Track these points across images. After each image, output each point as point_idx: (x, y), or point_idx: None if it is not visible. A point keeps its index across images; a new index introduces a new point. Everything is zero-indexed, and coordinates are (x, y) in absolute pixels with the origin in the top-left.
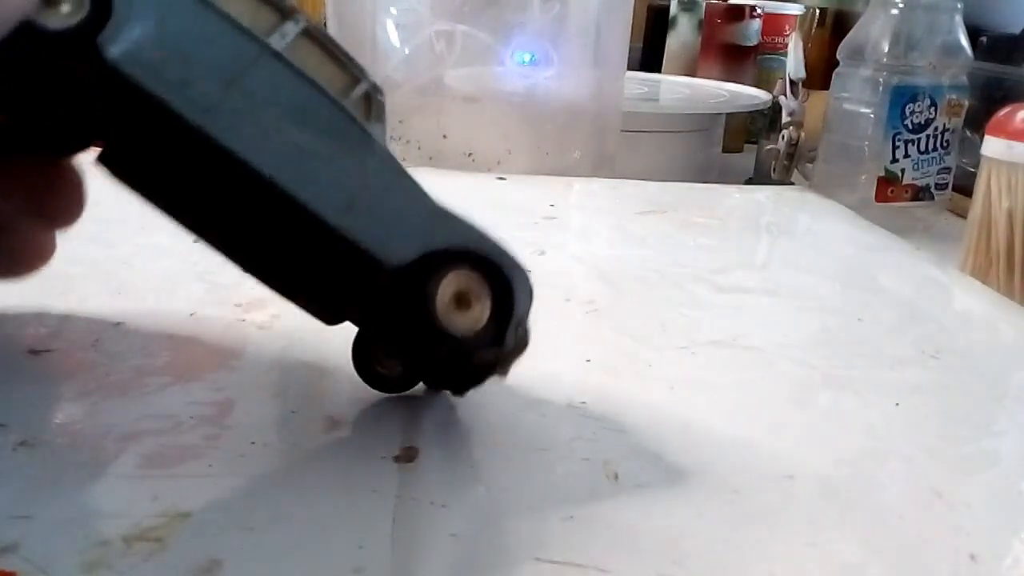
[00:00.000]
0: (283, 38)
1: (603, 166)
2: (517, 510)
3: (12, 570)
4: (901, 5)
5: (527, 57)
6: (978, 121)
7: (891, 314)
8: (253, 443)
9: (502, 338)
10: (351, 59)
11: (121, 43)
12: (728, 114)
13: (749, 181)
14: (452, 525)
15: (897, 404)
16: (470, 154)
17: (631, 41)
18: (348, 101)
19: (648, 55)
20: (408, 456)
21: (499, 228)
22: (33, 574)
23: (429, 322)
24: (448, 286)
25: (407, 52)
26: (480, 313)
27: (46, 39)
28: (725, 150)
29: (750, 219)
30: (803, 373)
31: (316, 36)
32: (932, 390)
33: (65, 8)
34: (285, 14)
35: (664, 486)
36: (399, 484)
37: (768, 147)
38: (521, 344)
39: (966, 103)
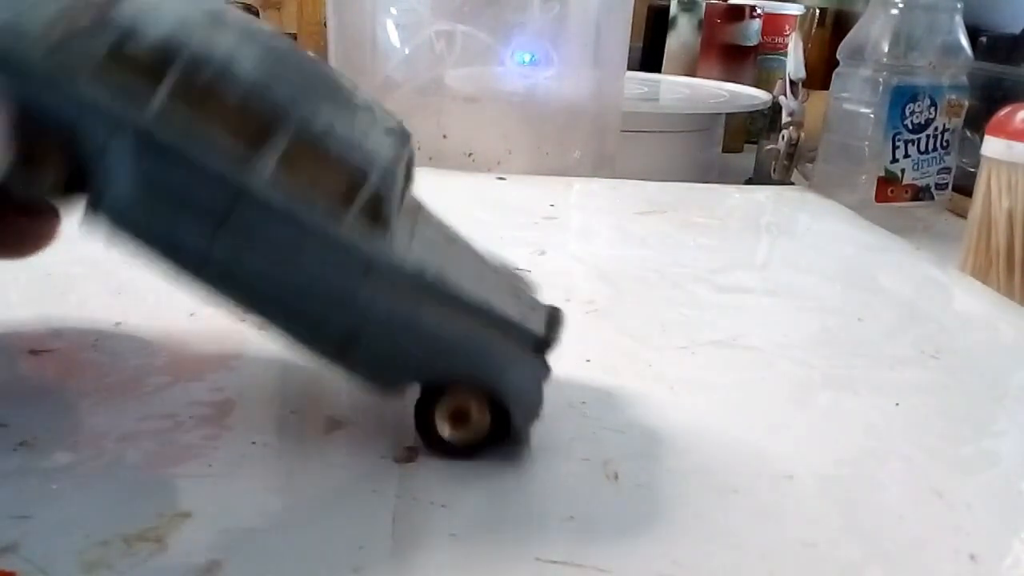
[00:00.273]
0: (265, 166)
1: (603, 166)
2: (517, 510)
3: (12, 570)
4: (901, 5)
5: (527, 57)
6: (978, 121)
7: (891, 314)
8: (253, 443)
9: (506, 435)
10: (351, 157)
11: (102, 212)
12: (728, 114)
13: (749, 181)
14: (452, 525)
15: (897, 404)
16: (470, 154)
17: (631, 41)
18: (349, 214)
19: (648, 55)
20: (408, 456)
21: (499, 228)
22: (33, 574)
23: (430, 437)
24: (444, 407)
25: (407, 52)
26: (481, 423)
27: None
28: (725, 150)
29: (750, 219)
30: (803, 373)
31: (308, 141)
32: (932, 390)
33: (49, 176)
34: (271, 124)
35: (664, 486)
36: (399, 484)
37: (768, 147)
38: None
39: (966, 103)
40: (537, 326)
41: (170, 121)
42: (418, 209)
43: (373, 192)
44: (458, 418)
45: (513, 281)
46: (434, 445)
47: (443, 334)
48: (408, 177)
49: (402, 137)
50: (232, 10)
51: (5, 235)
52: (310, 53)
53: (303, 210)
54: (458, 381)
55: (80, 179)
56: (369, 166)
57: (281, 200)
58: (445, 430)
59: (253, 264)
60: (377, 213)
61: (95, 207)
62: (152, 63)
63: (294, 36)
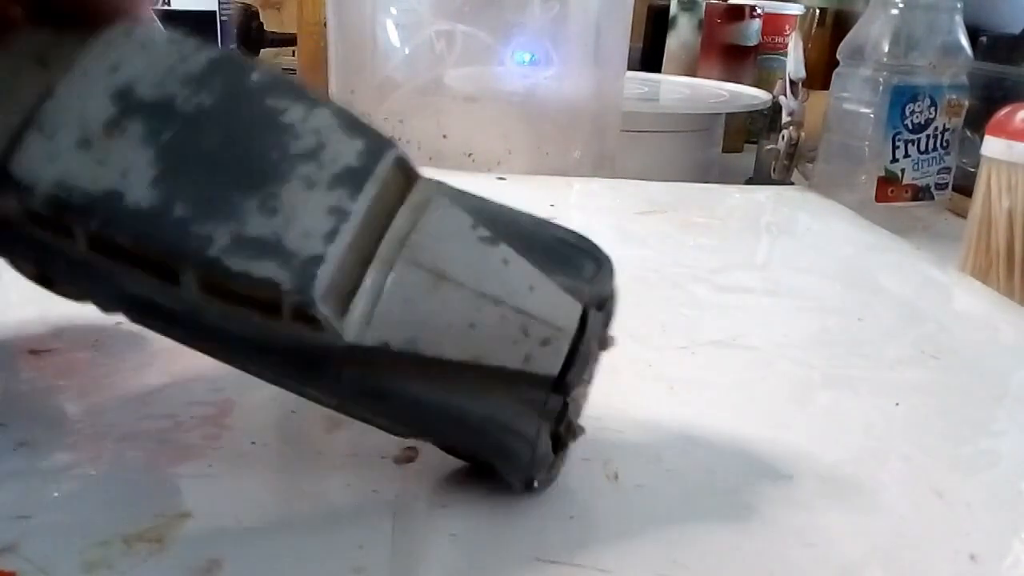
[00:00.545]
0: (188, 293)
1: (603, 166)
2: (517, 510)
3: (12, 570)
4: (901, 5)
5: (527, 57)
6: (978, 121)
7: (891, 314)
8: (253, 443)
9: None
10: (258, 271)
11: None
12: (728, 114)
13: (749, 181)
14: (452, 525)
15: (897, 404)
16: (470, 154)
17: (631, 41)
18: (283, 323)
19: (648, 55)
20: (408, 456)
21: None
22: (33, 574)
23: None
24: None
25: (407, 52)
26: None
27: None
28: (725, 150)
29: (750, 219)
30: (803, 373)
31: (212, 271)
32: (932, 390)
33: None
34: (173, 271)
35: (664, 486)
36: (399, 484)
37: (768, 147)
38: (570, 437)
39: (966, 103)
40: (547, 363)
41: (97, 251)
42: (400, 245)
43: (294, 301)
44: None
45: (524, 310)
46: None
47: (424, 404)
48: (405, 179)
49: (367, 160)
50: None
51: None
52: (253, 71)
53: (237, 327)
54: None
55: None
56: (279, 280)
57: (215, 318)
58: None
59: (225, 349)
60: (309, 317)
61: None
62: (53, 221)
63: (294, 36)
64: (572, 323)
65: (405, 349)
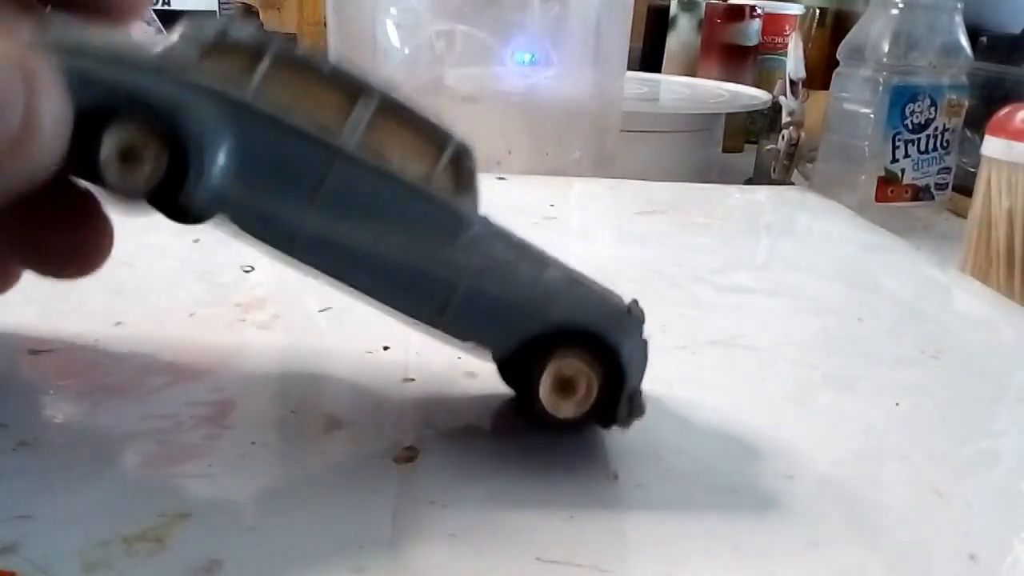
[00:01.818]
0: (354, 131)
1: (603, 166)
2: (517, 510)
3: (12, 570)
4: (901, 5)
5: (527, 57)
6: (978, 121)
7: (891, 314)
8: (253, 443)
9: (612, 415)
10: (433, 123)
11: (201, 192)
12: (728, 114)
13: (749, 181)
14: (452, 525)
15: (897, 404)
16: None
17: (631, 41)
18: (435, 177)
19: (648, 55)
20: (408, 456)
21: None
22: (33, 574)
23: (532, 407)
24: (550, 374)
25: (407, 52)
26: (587, 396)
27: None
28: (725, 150)
29: (750, 219)
30: (803, 373)
31: (392, 108)
32: (932, 390)
33: (147, 168)
34: (356, 95)
35: (664, 486)
36: (399, 484)
37: (768, 147)
38: (637, 412)
39: (966, 103)
40: (620, 300)
41: (267, 95)
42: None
43: (455, 152)
44: (565, 386)
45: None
46: (535, 417)
47: (541, 286)
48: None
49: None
50: None
51: (64, 247)
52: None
53: (392, 170)
54: (563, 342)
55: (175, 172)
56: (447, 139)
57: (371, 161)
58: (552, 399)
59: (347, 231)
60: (460, 173)
61: (193, 191)
62: (249, 48)
63: (294, 36)
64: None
65: (523, 241)
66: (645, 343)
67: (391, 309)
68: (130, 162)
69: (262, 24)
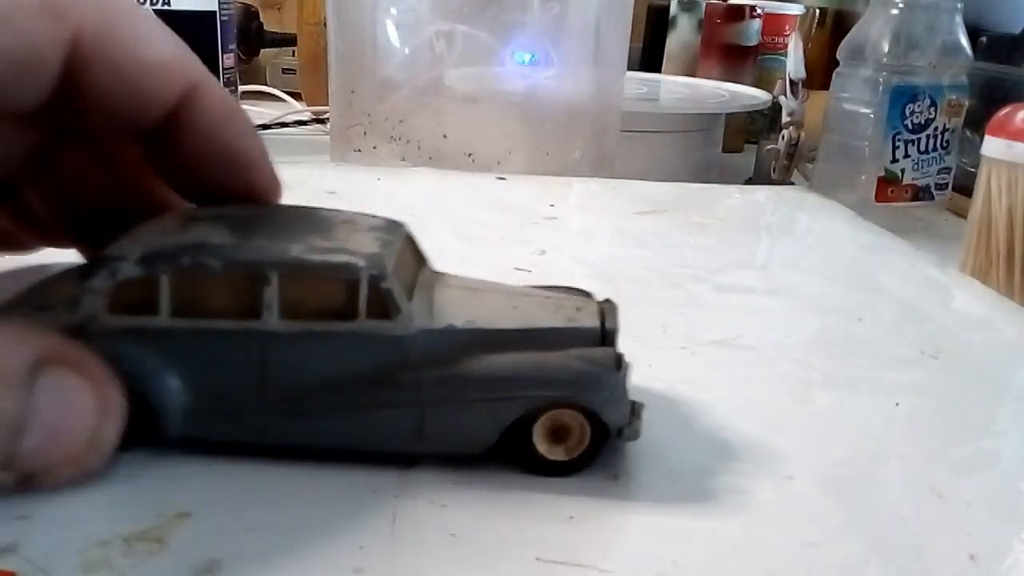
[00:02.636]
0: (271, 308)
1: (603, 166)
2: (517, 510)
3: (12, 570)
4: (901, 5)
5: (527, 57)
6: (978, 121)
7: (891, 314)
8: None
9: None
10: (333, 261)
11: (173, 425)
12: (728, 114)
13: (749, 181)
14: (452, 525)
15: (897, 404)
16: (470, 154)
17: (631, 41)
18: (359, 313)
19: (648, 55)
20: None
21: (499, 228)
22: (33, 574)
23: (529, 461)
24: (541, 428)
25: (407, 52)
26: (580, 437)
27: None
28: (725, 150)
29: (750, 219)
30: (803, 373)
31: (296, 269)
32: (932, 390)
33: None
34: (258, 275)
35: (664, 486)
36: (399, 484)
37: (768, 147)
38: (631, 436)
39: (966, 103)
40: (590, 321)
41: (180, 313)
42: (435, 279)
43: (369, 281)
44: (557, 435)
45: (549, 295)
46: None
47: (499, 372)
48: (417, 256)
49: (390, 228)
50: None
51: None
52: (293, 205)
53: (319, 328)
54: (538, 407)
55: (146, 419)
56: (355, 262)
57: (296, 329)
58: (545, 450)
59: (307, 398)
60: (382, 302)
61: (167, 429)
62: (144, 279)
63: (294, 36)
64: (594, 304)
65: (468, 327)
66: (624, 371)
67: (373, 446)
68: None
69: (262, 25)
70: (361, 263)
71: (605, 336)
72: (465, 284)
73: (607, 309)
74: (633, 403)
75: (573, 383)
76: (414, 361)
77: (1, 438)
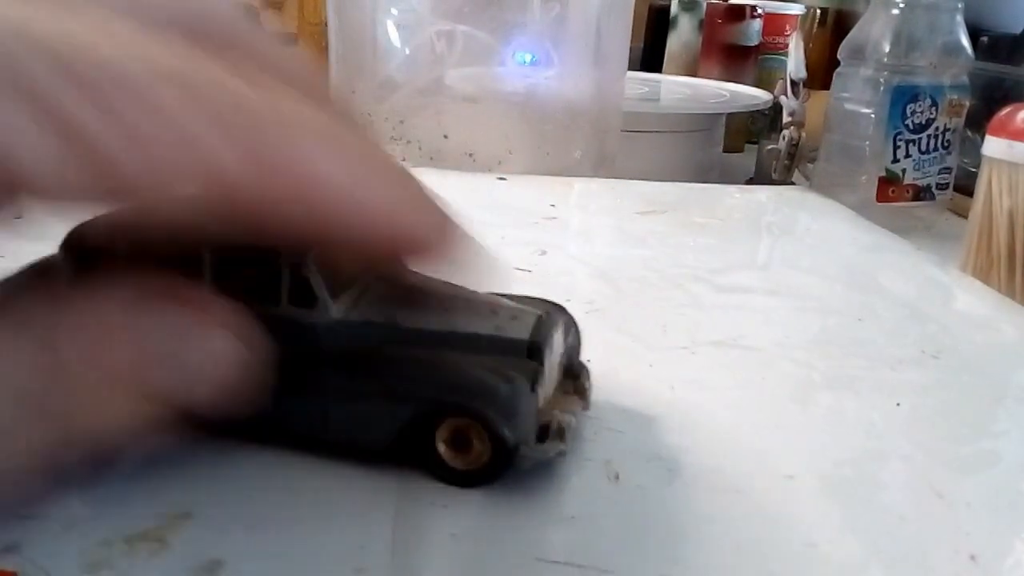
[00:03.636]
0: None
1: (604, 166)
2: (518, 510)
3: (13, 570)
4: (902, 5)
5: (528, 57)
6: (979, 121)
7: (892, 314)
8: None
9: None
10: (267, 250)
11: None
12: (729, 114)
13: (750, 181)
14: (453, 525)
15: (898, 404)
16: (471, 154)
17: (632, 41)
18: (283, 300)
19: (649, 55)
20: None
21: (499, 228)
22: (35, 574)
23: (431, 465)
24: (444, 433)
25: (407, 52)
26: (481, 449)
27: None
28: (726, 150)
29: (751, 219)
30: (804, 373)
31: (226, 256)
32: (933, 390)
33: None
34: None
35: (665, 486)
36: (399, 484)
37: (769, 147)
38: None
39: (967, 103)
40: (518, 332)
41: None
42: (399, 278)
43: (291, 268)
44: (458, 445)
45: (497, 300)
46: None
47: (398, 371)
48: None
49: None
50: None
51: None
52: None
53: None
54: (432, 411)
55: None
56: (284, 249)
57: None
58: (447, 456)
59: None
60: (302, 290)
61: None
62: None
63: (294, 36)
64: (533, 315)
65: (387, 323)
66: (536, 388)
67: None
68: None
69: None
70: (287, 252)
71: (532, 349)
72: (420, 285)
73: (545, 323)
74: (549, 424)
75: (467, 391)
76: (327, 351)
77: (129, 379)
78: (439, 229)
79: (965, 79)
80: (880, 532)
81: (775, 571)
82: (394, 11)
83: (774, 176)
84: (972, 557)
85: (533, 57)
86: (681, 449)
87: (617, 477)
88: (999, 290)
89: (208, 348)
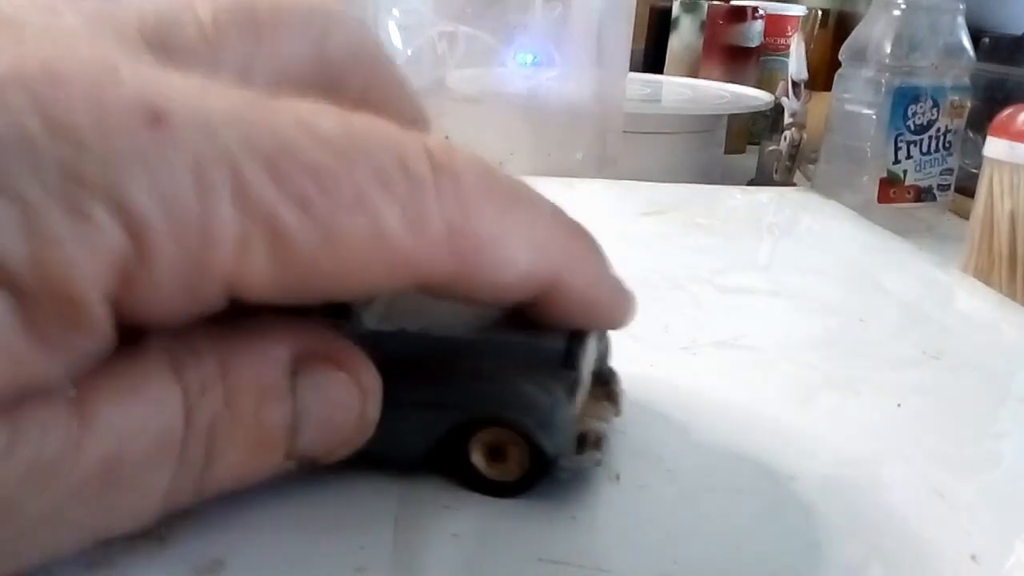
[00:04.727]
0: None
1: (605, 167)
2: (519, 510)
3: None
4: (903, 6)
5: (529, 58)
6: (980, 122)
7: (893, 315)
8: None
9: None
10: None
11: None
12: (730, 115)
13: (751, 182)
14: (453, 525)
15: (899, 405)
16: None
17: (633, 42)
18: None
19: (650, 56)
20: None
21: None
22: (35, 573)
23: (467, 476)
24: (479, 444)
25: (409, 53)
26: (519, 459)
27: None
28: (727, 151)
29: (752, 220)
30: (805, 374)
31: None
32: (934, 391)
33: None
34: None
35: (666, 486)
36: (401, 484)
37: (770, 148)
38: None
39: (968, 104)
40: (554, 340)
41: None
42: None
43: None
44: (494, 455)
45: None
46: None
47: (434, 381)
48: None
49: None
50: None
51: None
52: None
53: None
54: (469, 421)
55: None
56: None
57: None
58: (482, 466)
59: None
60: (335, 304)
61: None
62: None
63: None
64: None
65: (420, 332)
66: (563, 389)
67: None
68: None
69: None
70: None
71: (569, 358)
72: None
73: (579, 330)
74: (586, 434)
75: (505, 402)
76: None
77: (280, 439)
78: (631, 310)
79: (966, 80)
80: (882, 533)
81: (775, 571)
82: (396, 12)
83: (775, 177)
84: (973, 557)
85: (535, 58)
86: (683, 449)
87: (618, 477)
88: (1000, 291)
89: (359, 414)
